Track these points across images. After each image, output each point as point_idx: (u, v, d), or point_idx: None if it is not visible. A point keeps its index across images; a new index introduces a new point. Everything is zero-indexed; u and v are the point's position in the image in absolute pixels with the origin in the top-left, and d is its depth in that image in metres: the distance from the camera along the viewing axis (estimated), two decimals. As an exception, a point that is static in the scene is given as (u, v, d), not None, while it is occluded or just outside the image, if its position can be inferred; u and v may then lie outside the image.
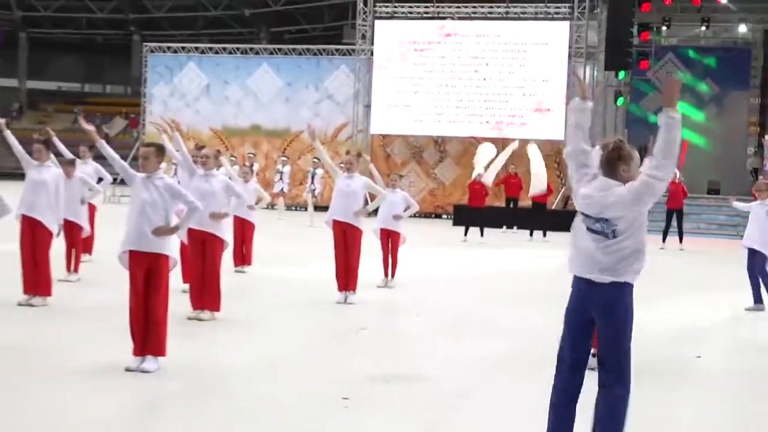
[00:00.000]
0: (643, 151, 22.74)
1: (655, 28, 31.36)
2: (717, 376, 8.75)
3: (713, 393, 8.10)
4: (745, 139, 32.51)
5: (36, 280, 10.18)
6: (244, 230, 14.93)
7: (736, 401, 7.79)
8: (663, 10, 31.12)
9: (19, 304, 10.18)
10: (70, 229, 13.13)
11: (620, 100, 31.33)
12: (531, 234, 24.23)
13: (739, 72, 33.34)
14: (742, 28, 32.23)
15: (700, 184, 28.12)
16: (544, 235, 23.86)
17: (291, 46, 36.66)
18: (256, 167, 22.65)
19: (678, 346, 9.89)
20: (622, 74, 30.67)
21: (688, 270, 17.73)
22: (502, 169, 25.01)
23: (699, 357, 9.29)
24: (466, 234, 23.42)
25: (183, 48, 36.56)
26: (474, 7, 32.62)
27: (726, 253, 20.24)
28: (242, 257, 14.82)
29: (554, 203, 28.26)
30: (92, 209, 14.46)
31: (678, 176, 23.34)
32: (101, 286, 11.70)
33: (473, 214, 24.55)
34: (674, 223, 22.61)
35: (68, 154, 13.69)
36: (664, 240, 22.40)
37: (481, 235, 23.36)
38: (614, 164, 5.21)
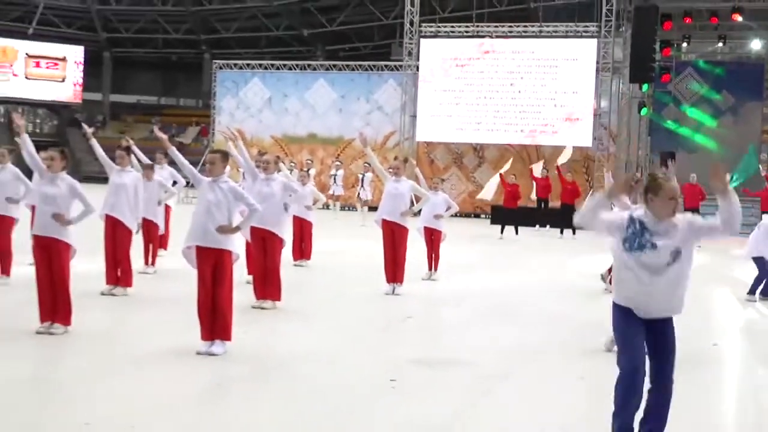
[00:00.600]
0: (668, 157, 22.33)
1: (675, 45, 31.08)
2: (733, 362, 8.62)
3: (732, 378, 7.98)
4: (758, 145, 32.14)
5: (116, 274, 10.28)
6: (302, 228, 14.96)
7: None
8: (683, 28, 30.83)
9: (102, 294, 10.28)
10: (148, 227, 13.26)
11: (644, 111, 31.10)
12: (561, 232, 24.08)
13: (753, 84, 32.98)
14: (756, 44, 31.82)
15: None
16: (574, 233, 23.70)
17: (344, 63, 36.82)
18: (312, 172, 22.75)
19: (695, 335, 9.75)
20: (645, 87, 30.44)
21: (704, 265, 17.49)
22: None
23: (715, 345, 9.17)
24: (502, 232, 23.35)
25: (248, 65, 36.66)
26: (510, 26, 32.65)
27: (739, 248, 19.96)
28: (301, 252, 14.85)
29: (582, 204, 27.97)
30: (167, 210, 14.59)
31: (695, 179, 23.16)
32: (175, 279, 11.74)
33: (508, 214, 24.49)
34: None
35: (146, 160, 13.80)
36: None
37: (516, 233, 23.31)
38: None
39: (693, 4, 30.11)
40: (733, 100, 33.02)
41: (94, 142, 9.56)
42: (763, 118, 33.15)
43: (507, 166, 25.67)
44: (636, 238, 4.98)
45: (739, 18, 29.58)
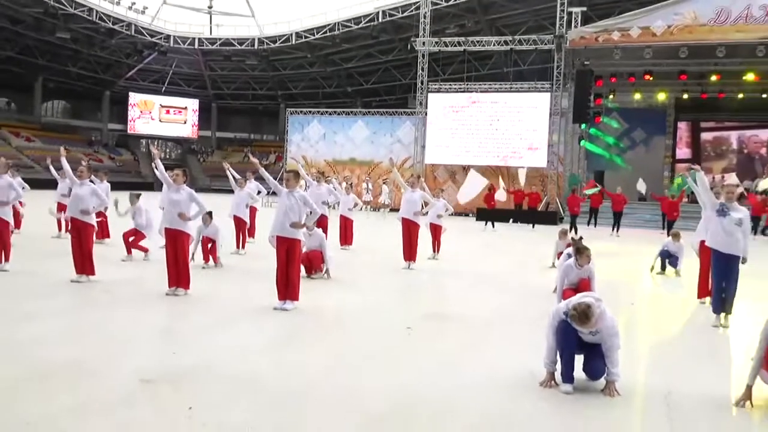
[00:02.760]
0: (598, 175, 22.07)
1: (605, 96, 30.93)
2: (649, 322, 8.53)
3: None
4: (662, 167, 31.97)
5: (178, 275, 8.55)
6: (346, 223, 15.01)
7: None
8: (610, 85, 30.67)
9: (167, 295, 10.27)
10: (239, 222, 13.43)
11: (582, 142, 31.05)
12: (533, 226, 23.98)
13: (659, 123, 32.84)
14: (661, 95, 31.57)
15: (633, 196, 27.71)
16: (533, 227, 23.61)
17: (375, 110, 37.16)
18: (353, 183, 22.96)
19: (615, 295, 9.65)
20: (583, 125, 30.36)
21: (622, 247, 17.35)
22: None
23: (632, 303, 9.06)
24: (486, 225, 23.39)
25: (310, 111, 37.09)
26: (489, 84, 32.78)
27: (649, 238, 19.86)
28: (345, 239, 14.89)
29: (539, 207, 28.04)
30: (254, 210, 14.72)
31: (620, 190, 23.10)
32: (257, 258, 11.83)
33: (489, 213, 24.45)
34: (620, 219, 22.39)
35: (238, 177, 14.00)
36: (612, 229, 22.05)
37: (493, 226, 23.27)
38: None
39: (617, 69, 29.89)
40: (644, 135, 32.93)
41: (158, 162, 9.04)
42: (665, 148, 33.03)
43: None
44: None
45: (649, 77, 29.41)
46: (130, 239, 11.61)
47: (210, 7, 50.23)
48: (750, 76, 28.41)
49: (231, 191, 14.26)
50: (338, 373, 5.37)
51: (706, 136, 34.19)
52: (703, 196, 8.13)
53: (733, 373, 5.18)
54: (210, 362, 5.46)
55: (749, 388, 4.78)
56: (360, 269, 11.84)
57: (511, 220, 25.72)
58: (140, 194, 11.72)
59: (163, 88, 51.36)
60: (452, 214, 15.55)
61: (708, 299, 8.51)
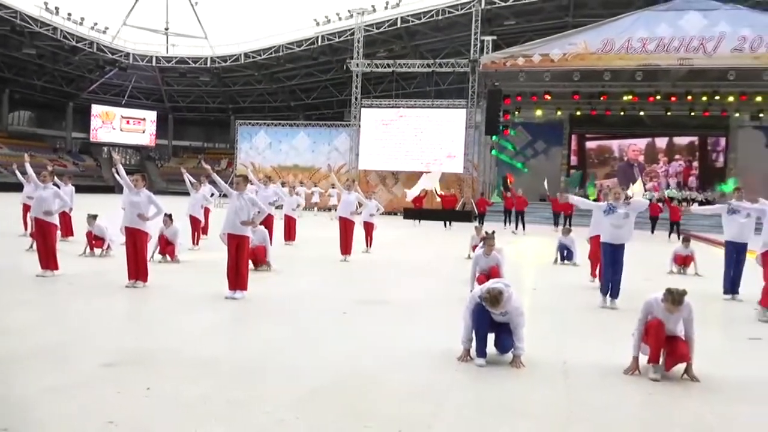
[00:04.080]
0: (507, 179, 22.31)
1: (512, 112, 31.59)
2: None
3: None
4: (559, 172, 32.86)
5: (137, 270, 8.20)
6: (290, 222, 14.85)
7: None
8: (516, 103, 31.40)
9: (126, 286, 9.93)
10: (194, 221, 13.12)
11: (493, 151, 31.59)
12: (450, 224, 24.23)
13: (556, 136, 33.75)
14: (558, 113, 32.46)
15: (535, 197, 28.39)
16: (450, 224, 23.89)
17: (316, 122, 37.01)
18: (301, 189, 22.77)
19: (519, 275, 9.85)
20: (494, 137, 30.88)
21: (527, 241, 17.78)
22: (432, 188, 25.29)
23: (535, 289, 9.27)
24: (414, 221, 23.56)
25: (257, 123, 36.59)
26: (414, 101, 33.10)
27: (545, 232, 20.44)
28: (289, 236, 14.72)
29: (456, 208, 28.42)
30: (207, 211, 14.40)
31: (521, 192, 23.62)
32: (210, 251, 11.57)
33: (414, 212, 24.62)
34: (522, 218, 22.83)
35: (193, 181, 13.67)
36: (516, 227, 22.51)
37: (419, 222, 23.44)
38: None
39: (522, 89, 30.62)
40: (545, 145, 33.78)
41: (120, 167, 8.63)
42: (562, 156, 33.94)
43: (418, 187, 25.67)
44: None
45: (548, 97, 30.21)
46: (93, 242, 11.17)
47: (167, 29, 48.94)
48: (629, 97, 29.60)
49: (187, 193, 13.90)
50: (283, 352, 5.30)
51: (590, 144, 35.23)
52: (586, 208, 8.58)
53: (620, 346, 5.36)
54: (167, 346, 5.30)
55: (635, 359, 4.95)
56: (302, 262, 11.72)
57: (419, 221, 25.83)
58: (96, 215, 11.22)
59: (123, 101, 49.63)
60: (383, 213, 15.58)
61: (597, 279, 8.91)
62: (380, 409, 4.01)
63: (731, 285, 8.88)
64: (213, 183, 9.60)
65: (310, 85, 44.41)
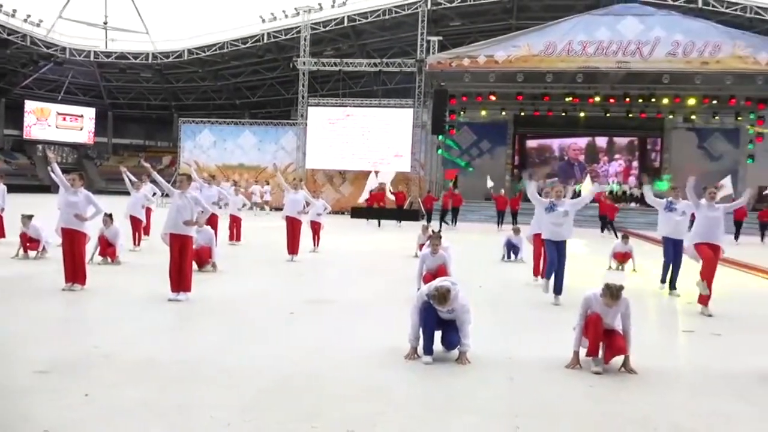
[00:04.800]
0: (454, 178, 22.51)
1: (458, 112, 31.99)
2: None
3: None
4: (504, 171, 33.43)
5: (75, 272, 7.83)
6: (235, 222, 14.62)
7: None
8: (462, 103, 31.80)
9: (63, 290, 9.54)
10: (134, 221, 12.80)
11: (439, 150, 31.95)
12: (399, 222, 24.30)
13: (501, 136, 34.31)
14: (503, 113, 33.03)
15: (480, 195, 28.82)
16: (399, 222, 24.01)
17: (262, 120, 36.53)
18: (241, 188, 22.41)
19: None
20: (440, 137, 31.22)
21: (473, 238, 18.04)
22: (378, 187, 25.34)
23: (480, 286, 9.37)
24: (369, 221, 23.61)
25: (201, 121, 35.90)
26: (362, 100, 33.08)
27: (484, 229, 20.80)
28: (234, 236, 14.49)
29: (404, 206, 28.59)
30: (149, 211, 14.04)
31: (459, 191, 24.05)
32: (152, 253, 11.27)
33: (362, 211, 24.64)
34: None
35: (134, 179, 13.32)
36: (450, 223, 22.82)
37: (368, 221, 23.46)
38: None
39: (467, 89, 31.00)
40: (490, 145, 34.29)
41: (55, 166, 8.25)
42: (506, 156, 34.54)
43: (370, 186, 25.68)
44: None
45: (493, 98, 30.73)
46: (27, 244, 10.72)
47: (105, 23, 47.38)
48: (570, 98, 30.42)
49: (127, 193, 13.50)
50: (228, 353, 5.21)
51: (531, 144, 35.89)
52: (533, 199, 8.72)
53: (562, 341, 5.49)
54: (107, 350, 5.13)
55: (576, 353, 5.09)
56: (248, 262, 11.56)
57: (369, 220, 25.84)
58: (32, 216, 10.76)
59: (60, 97, 47.76)
60: (330, 213, 15.52)
61: (539, 278, 9.10)
62: (328, 409, 4.00)
63: (666, 275, 9.24)
64: (154, 182, 9.35)
65: (255, 83, 43.81)
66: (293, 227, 11.95)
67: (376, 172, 26.34)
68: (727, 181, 12.70)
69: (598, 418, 4.07)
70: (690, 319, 7.46)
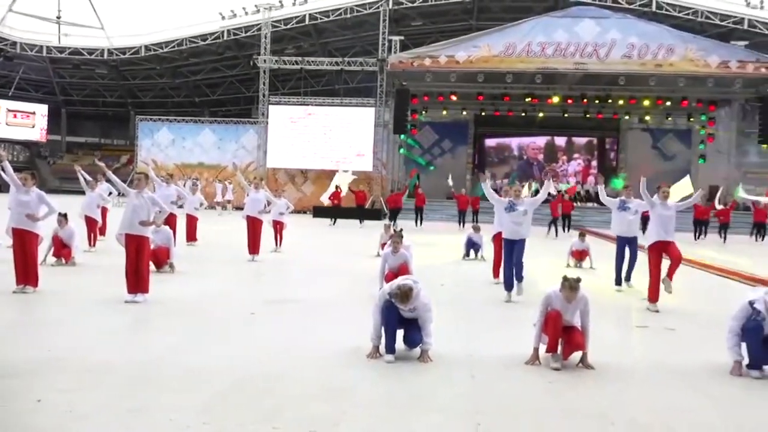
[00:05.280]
0: (416, 176, 22.63)
1: (419, 111, 32.14)
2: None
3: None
4: (465, 170, 33.71)
5: (26, 273, 7.58)
6: (190, 222, 14.38)
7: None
8: (423, 103, 31.96)
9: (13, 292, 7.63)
10: (90, 221, 12.51)
11: (402, 150, 32.12)
12: (360, 222, 24.28)
13: (462, 135, 34.63)
14: (464, 113, 33.32)
15: (442, 195, 29.03)
16: (361, 222, 24.02)
17: (222, 119, 36.01)
18: (199, 185, 22.04)
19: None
20: (402, 136, 31.35)
21: (436, 238, 18.16)
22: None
23: (442, 285, 9.41)
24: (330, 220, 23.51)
25: (159, 119, 35.21)
26: (323, 99, 33.02)
27: (446, 228, 20.97)
28: (191, 236, 14.25)
29: (367, 205, 28.61)
30: (105, 210, 13.72)
31: (421, 190, 24.21)
32: (109, 254, 11.00)
33: (324, 211, 24.56)
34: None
35: (89, 179, 13.01)
36: (419, 223, 22.92)
37: (334, 222, 23.36)
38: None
39: (429, 89, 31.18)
40: (451, 144, 34.59)
41: (6, 164, 7.89)
42: (467, 155, 34.87)
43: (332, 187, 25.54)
44: None
45: (454, 97, 30.97)
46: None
47: (59, 18, 45.99)
48: (530, 99, 30.88)
49: (82, 192, 13.17)
50: (187, 355, 5.13)
51: (490, 142, 36.23)
52: (492, 200, 8.83)
53: (522, 337, 5.56)
54: (60, 354, 4.98)
55: (536, 350, 5.17)
56: (208, 263, 11.37)
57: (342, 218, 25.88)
58: None
59: (10, 93, 46.22)
60: (292, 212, 15.41)
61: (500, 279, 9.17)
62: (289, 410, 3.97)
63: (621, 277, 9.49)
64: (110, 181, 9.14)
65: (215, 80, 43.21)
66: (254, 227, 11.85)
67: (345, 171, 26.20)
68: (686, 181, 13.03)
69: (557, 413, 4.13)
70: (644, 315, 7.66)
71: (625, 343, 6.34)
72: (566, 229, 21.83)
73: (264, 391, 4.31)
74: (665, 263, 7.94)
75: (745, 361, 5.04)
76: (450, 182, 24.17)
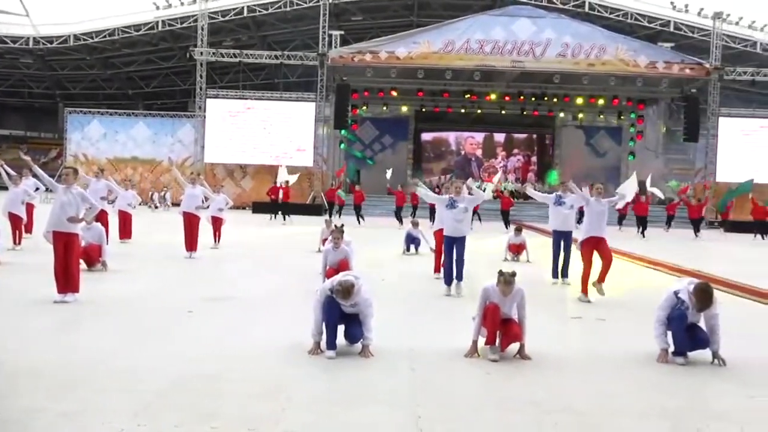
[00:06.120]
0: (357, 172, 22.69)
1: (360, 107, 32.16)
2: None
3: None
4: (405, 166, 33.96)
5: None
6: (125, 218, 13.96)
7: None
8: (364, 98, 32.01)
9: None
10: (14, 218, 12.00)
11: (342, 145, 32.12)
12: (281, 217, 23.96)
13: (402, 130, 34.90)
14: (404, 108, 33.57)
15: (383, 190, 29.14)
16: (286, 217, 23.71)
17: (157, 112, 35.05)
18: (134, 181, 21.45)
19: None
20: (343, 131, 31.30)
21: (375, 233, 18.23)
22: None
23: (383, 280, 9.42)
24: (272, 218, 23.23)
25: (90, 111, 33.89)
26: (263, 93, 32.61)
27: (387, 223, 21.12)
28: (124, 233, 13.82)
29: (307, 201, 28.51)
30: (31, 207, 13.14)
31: (358, 188, 24.30)
32: (36, 253, 10.54)
33: (264, 206, 24.26)
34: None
35: (13, 174, 12.44)
36: (361, 221, 22.94)
37: (275, 218, 23.09)
38: None
39: (369, 85, 31.25)
40: (392, 140, 34.80)
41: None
42: (407, 151, 35.17)
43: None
44: None
45: (394, 93, 31.15)
46: None
47: (-22, 4, 43.59)
48: (469, 95, 31.39)
49: (6, 188, 12.55)
50: (121, 355, 4.98)
51: (426, 137, 36.48)
52: (430, 200, 8.96)
53: (462, 330, 5.66)
54: (-16, 358, 4.76)
55: (474, 342, 5.27)
56: (143, 260, 11.05)
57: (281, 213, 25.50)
58: None
59: (-75, 83, 43.63)
60: (231, 208, 15.16)
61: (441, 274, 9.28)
62: (228, 409, 3.91)
63: (557, 270, 9.77)
64: (36, 176, 8.78)
65: (150, 72, 41.96)
66: (191, 223, 11.57)
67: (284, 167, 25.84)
68: (633, 179, 13.37)
69: (495, 403, 4.23)
70: (578, 306, 7.93)
71: (561, 334, 6.55)
72: (506, 225, 22.14)
73: (201, 391, 4.24)
74: (597, 259, 8.24)
75: (671, 348, 5.30)
76: (388, 176, 24.28)
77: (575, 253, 9.14)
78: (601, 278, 8.15)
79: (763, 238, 22.21)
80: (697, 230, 22.37)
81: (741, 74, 30.62)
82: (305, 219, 23.91)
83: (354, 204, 23.75)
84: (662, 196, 25.01)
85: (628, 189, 12.99)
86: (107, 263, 9.51)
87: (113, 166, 31.38)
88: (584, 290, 8.20)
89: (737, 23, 31.28)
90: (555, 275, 9.78)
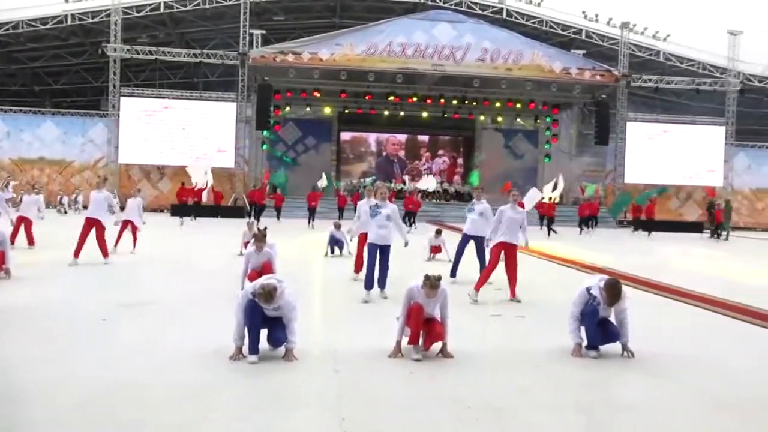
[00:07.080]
0: (272, 178, 22.32)
1: (282, 108, 31.86)
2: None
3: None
4: (329, 167, 33.89)
5: None
6: (25, 223, 13.17)
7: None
8: (286, 99, 31.75)
9: None
10: None
11: (264, 146, 31.72)
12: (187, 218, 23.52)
13: (327, 132, 34.79)
14: (327, 109, 33.48)
15: (306, 193, 28.95)
16: (182, 218, 23.32)
17: (67, 110, 33.43)
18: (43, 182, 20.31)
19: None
20: (265, 132, 30.93)
21: (297, 236, 18.09)
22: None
23: (306, 282, 9.43)
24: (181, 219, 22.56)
25: (-9, 108, 32.01)
26: (181, 92, 31.76)
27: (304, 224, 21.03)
28: (27, 240, 13.05)
29: (229, 203, 27.99)
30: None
31: (279, 191, 24.23)
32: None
33: (181, 209, 23.63)
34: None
35: None
36: (277, 219, 22.81)
37: (194, 219, 22.55)
38: None
39: (292, 85, 31.06)
40: (315, 141, 34.65)
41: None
42: (331, 152, 35.12)
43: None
44: None
45: (317, 94, 31.06)
46: None
47: None
48: (392, 98, 31.70)
49: None
50: (31, 371, 4.71)
51: (345, 136, 36.40)
52: (358, 212, 9.05)
53: (386, 331, 5.72)
54: None
55: (398, 342, 5.33)
56: (51, 267, 10.50)
57: (193, 217, 24.85)
58: None
59: None
60: (147, 211, 14.67)
61: (362, 274, 9.20)
62: (149, 417, 3.80)
63: (456, 269, 9.95)
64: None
65: (58, 68, 39.79)
66: (96, 228, 11.00)
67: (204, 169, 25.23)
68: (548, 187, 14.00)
69: (418, 401, 4.31)
70: (498, 305, 8.17)
71: (482, 332, 6.73)
72: (411, 224, 22.16)
73: (121, 400, 4.09)
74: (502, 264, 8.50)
75: (585, 342, 5.56)
76: (323, 184, 24.18)
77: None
78: (512, 292, 8.38)
79: (649, 235, 24.70)
80: (587, 227, 24.06)
81: (646, 81, 32.47)
82: (226, 221, 23.44)
83: (275, 206, 23.65)
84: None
85: (528, 201, 13.79)
86: (11, 270, 8.97)
87: (18, 167, 29.69)
88: (477, 287, 8.33)
89: (642, 33, 33.13)
90: (453, 275, 9.93)
